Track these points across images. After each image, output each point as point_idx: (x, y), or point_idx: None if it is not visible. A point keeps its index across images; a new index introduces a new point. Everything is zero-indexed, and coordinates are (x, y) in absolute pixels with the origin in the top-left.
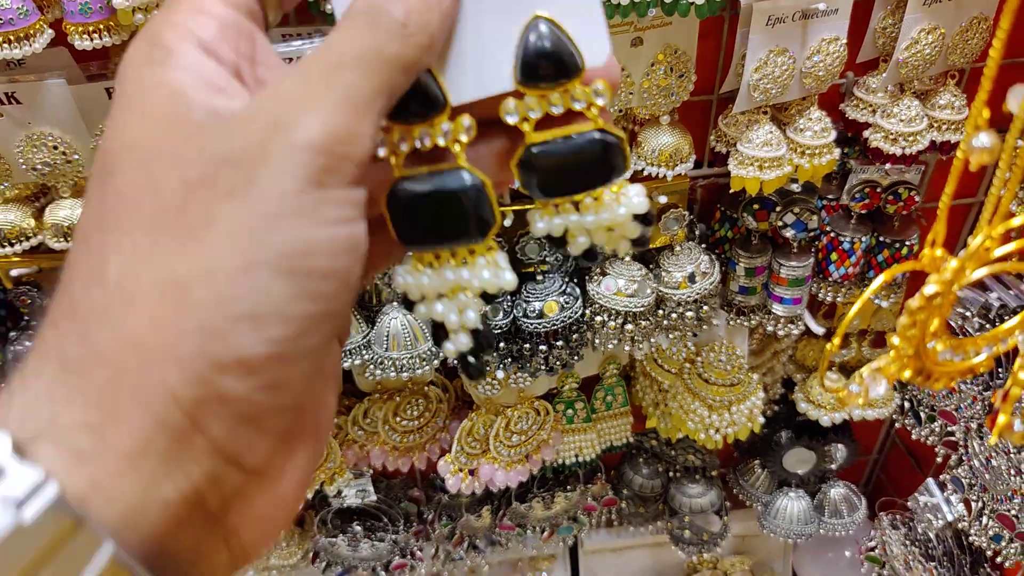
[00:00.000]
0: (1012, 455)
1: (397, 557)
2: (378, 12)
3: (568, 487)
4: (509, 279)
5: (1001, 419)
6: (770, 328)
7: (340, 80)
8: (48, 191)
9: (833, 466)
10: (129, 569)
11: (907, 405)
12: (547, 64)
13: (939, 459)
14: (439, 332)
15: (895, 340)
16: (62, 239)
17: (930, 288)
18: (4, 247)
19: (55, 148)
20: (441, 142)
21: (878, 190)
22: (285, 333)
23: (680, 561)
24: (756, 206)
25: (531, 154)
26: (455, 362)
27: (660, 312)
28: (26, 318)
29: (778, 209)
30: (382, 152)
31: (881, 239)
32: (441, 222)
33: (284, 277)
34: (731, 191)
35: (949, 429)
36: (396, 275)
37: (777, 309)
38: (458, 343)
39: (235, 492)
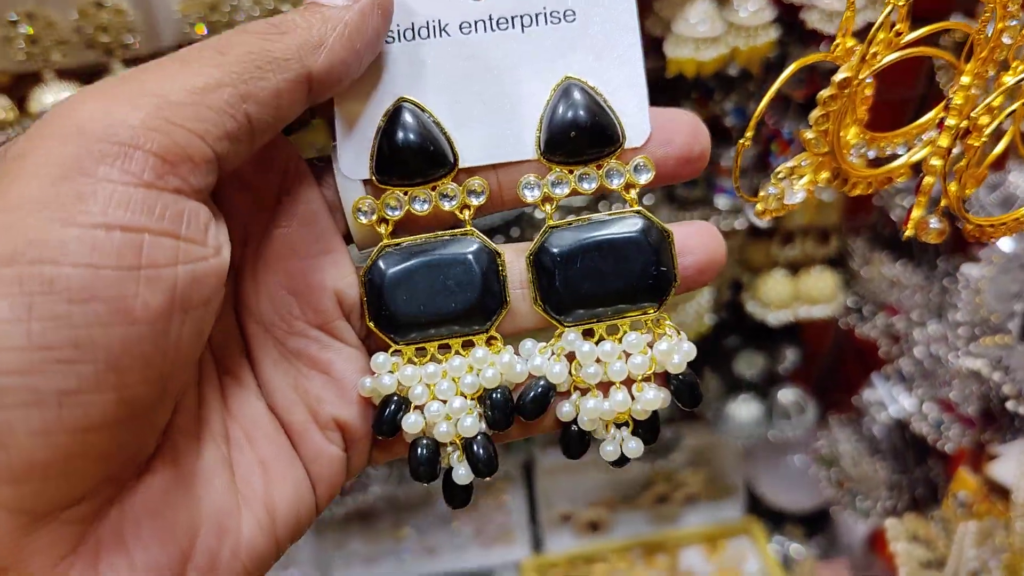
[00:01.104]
0: (951, 339)
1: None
2: None
3: None
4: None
5: (916, 213)
6: (713, 222)
7: (143, 74)
8: (23, 81)
9: (782, 369)
10: None
11: (852, 303)
12: (580, 135)
13: (882, 353)
14: (428, 457)
15: (808, 135)
16: None
17: (841, 74)
18: None
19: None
20: (446, 206)
21: (818, 75)
22: None
23: (636, 476)
24: (695, 94)
25: (551, 248)
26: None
27: (599, 207)
28: None
29: (717, 96)
30: (364, 219)
31: None
32: (434, 301)
33: (6, 289)
34: (668, 77)
35: (891, 321)
36: (365, 378)
37: (720, 201)
38: (458, 473)
39: None
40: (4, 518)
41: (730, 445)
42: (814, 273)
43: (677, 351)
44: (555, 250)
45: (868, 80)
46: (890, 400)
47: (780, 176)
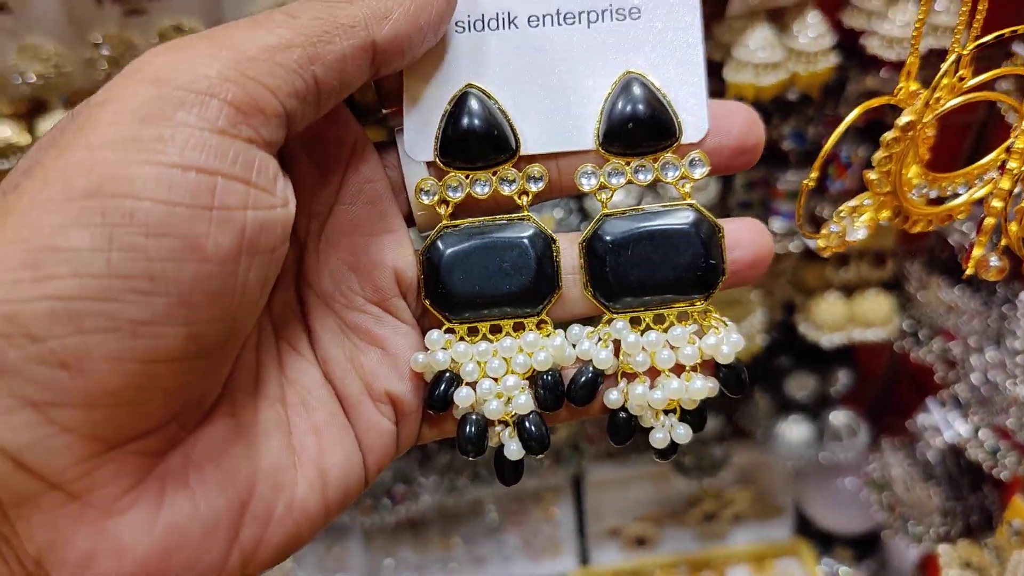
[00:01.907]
0: (1009, 366)
1: (400, 486)
2: None
3: None
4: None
5: (976, 252)
6: None
7: (218, 32)
8: (40, 107)
9: (834, 391)
10: None
11: (907, 327)
12: (638, 127)
13: (938, 378)
14: (477, 433)
15: (871, 175)
16: None
17: (905, 118)
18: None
19: (47, 60)
20: (506, 191)
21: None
22: (71, 289)
23: (684, 493)
24: None
25: (604, 236)
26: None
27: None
28: None
29: (776, 120)
30: (426, 200)
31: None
32: (489, 282)
33: (88, 220)
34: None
35: (947, 346)
36: (419, 352)
37: (776, 224)
38: (509, 449)
39: (18, 499)
40: (77, 444)
41: (779, 465)
42: (869, 296)
43: (726, 342)
44: (608, 237)
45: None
46: (945, 426)
47: (842, 214)
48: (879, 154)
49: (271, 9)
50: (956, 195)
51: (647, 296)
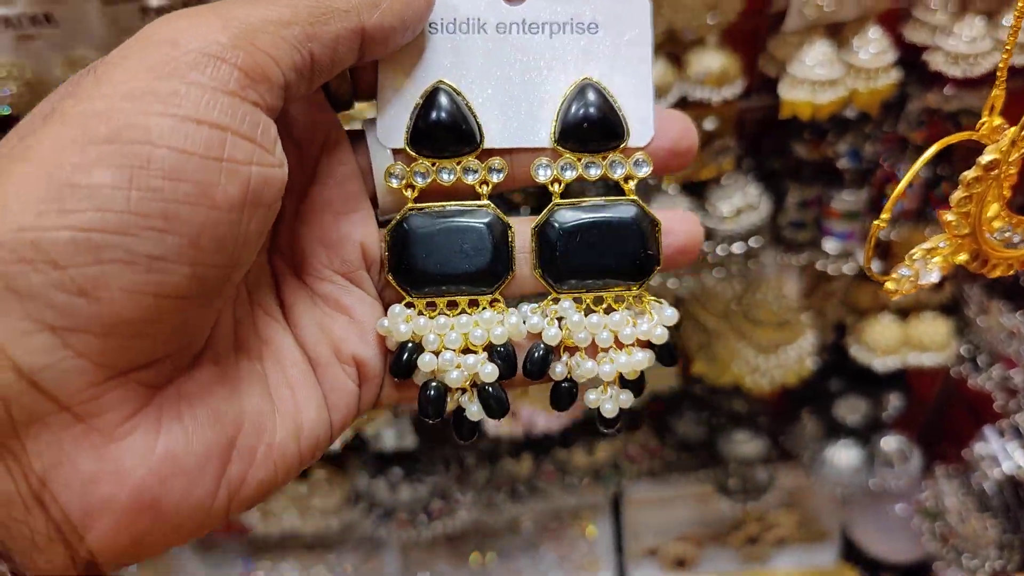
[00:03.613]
0: None
1: (437, 501)
2: None
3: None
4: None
5: None
6: (821, 266)
7: (227, 4)
8: None
9: (886, 416)
10: None
11: (965, 352)
12: (591, 128)
13: (997, 406)
14: (437, 397)
15: (948, 216)
16: None
17: (988, 156)
18: None
19: None
20: (469, 179)
21: (938, 118)
22: (92, 222)
23: (725, 514)
24: (808, 134)
25: (554, 223)
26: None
27: (706, 247)
28: None
29: (831, 138)
30: (395, 183)
31: (941, 172)
32: (449, 261)
33: (109, 161)
34: (781, 118)
35: (1008, 374)
36: (382, 319)
37: (829, 245)
38: (471, 411)
39: (29, 417)
40: (89, 369)
41: (825, 489)
42: (926, 319)
43: (660, 323)
44: (557, 225)
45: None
46: (1004, 456)
47: (915, 257)
48: (957, 194)
49: None
50: None
51: (590, 280)
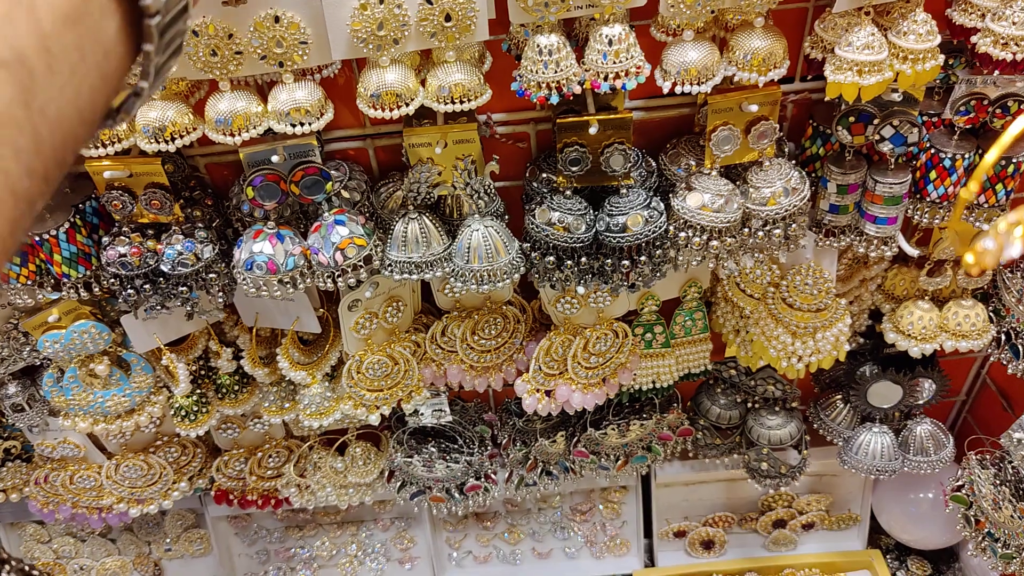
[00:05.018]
0: None
1: (471, 479)
2: None
3: (644, 415)
4: None
5: None
6: (861, 249)
7: None
8: (197, 89)
9: (920, 402)
10: None
11: (1004, 337)
12: None
13: None
14: None
15: None
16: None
17: None
18: (166, 142)
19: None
20: None
21: (985, 103)
22: None
23: (754, 498)
24: (852, 118)
25: None
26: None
27: (746, 230)
28: (117, 223)
29: (876, 122)
30: None
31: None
32: None
33: None
34: (825, 100)
35: None
36: None
37: (870, 229)
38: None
39: None
40: None
41: (854, 474)
42: (964, 305)
43: None
44: None
45: None
46: None
47: (1000, 228)
48: None
49: None
50: None
51: None
